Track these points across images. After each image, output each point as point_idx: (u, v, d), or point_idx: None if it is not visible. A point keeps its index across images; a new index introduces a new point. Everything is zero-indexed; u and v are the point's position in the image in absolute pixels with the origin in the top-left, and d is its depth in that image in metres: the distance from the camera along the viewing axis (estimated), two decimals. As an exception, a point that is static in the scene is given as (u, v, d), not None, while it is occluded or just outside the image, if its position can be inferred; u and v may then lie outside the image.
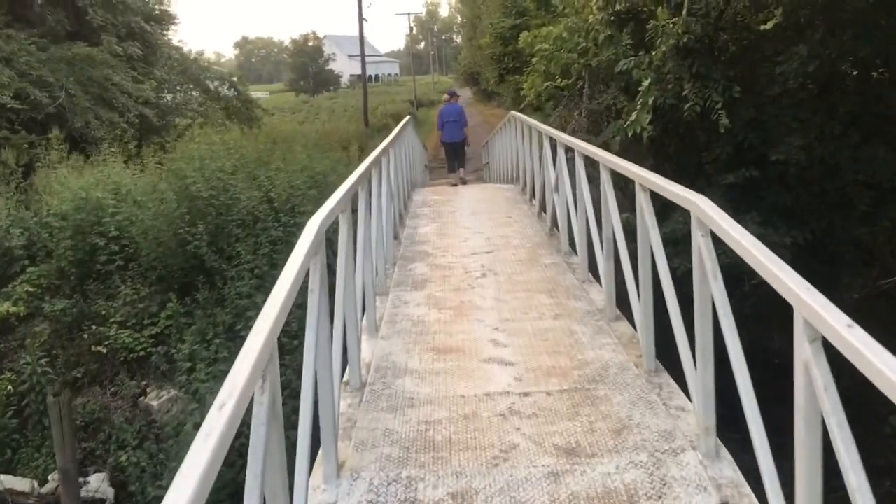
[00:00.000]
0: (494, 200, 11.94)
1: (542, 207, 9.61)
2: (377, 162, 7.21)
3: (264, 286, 12.15)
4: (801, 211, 11.08)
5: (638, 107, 10.28)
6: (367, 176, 6.22)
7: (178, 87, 32.11)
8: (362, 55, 41.08)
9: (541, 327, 5.81)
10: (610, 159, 5.68)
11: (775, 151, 10.54)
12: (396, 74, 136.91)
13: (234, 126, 33.00)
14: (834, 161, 10.81)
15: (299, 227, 11.75)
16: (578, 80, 13.41)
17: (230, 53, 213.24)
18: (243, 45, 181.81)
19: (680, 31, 10.10)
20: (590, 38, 12.31)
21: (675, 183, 4.55)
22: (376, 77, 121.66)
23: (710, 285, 3.72)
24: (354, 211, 5.62)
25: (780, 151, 10.49)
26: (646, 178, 4.72)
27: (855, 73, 11.34)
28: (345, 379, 4.61)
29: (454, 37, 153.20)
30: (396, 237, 8.68)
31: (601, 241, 6.19)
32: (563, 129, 12.45)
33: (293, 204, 12.64)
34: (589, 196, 6.80)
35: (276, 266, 12.30)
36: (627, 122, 10.43)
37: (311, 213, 10.98)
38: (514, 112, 12.69)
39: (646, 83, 10.31)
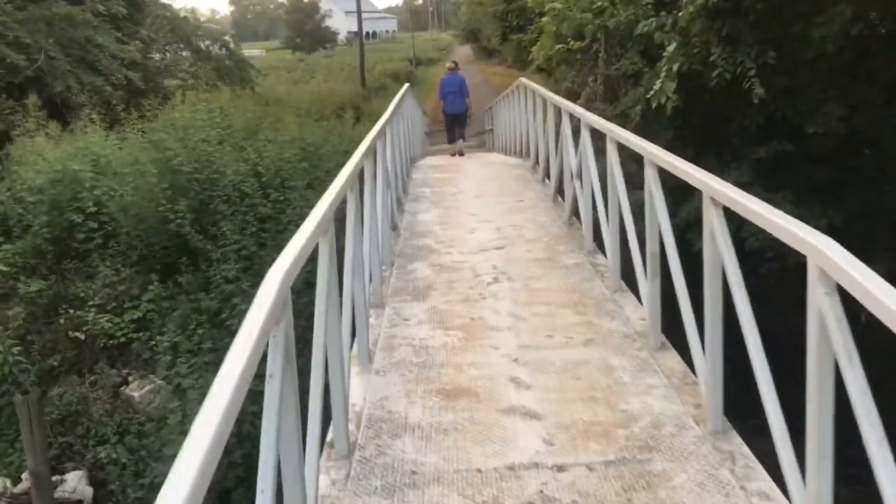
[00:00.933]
0: (503, 179, 10.90)
1: (559, 191, 8.57)
2: (371, 150, 6.13)
3: (252, 268, 11.32)
4: (837, 187, 10.14)
5: (662, 74, 9.28)
6: (358, 169, 5.26)
7: (167, 48, 30.91)
8: (359, 12, 39.70)
9: (570, 359, 4.77)
10: (657, 154, 4.68)
11: (812, 123, 9.56)
12: (394, 31, 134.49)
13: (225, 88, 32.24)
14: (874, 133, 9.85)
15: (289, 203, 10.89)
16: (593, 43, 12.38)
17: (225, 10, 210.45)
18: (238, 1, 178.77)
19: (709, -12, 9.09)
20: (606, -5, 11.31)
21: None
22: (373, 34, 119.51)
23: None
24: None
25: (817, 123, 9.52)
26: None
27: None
28: (329, 438, 3.64)
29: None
30: (395, 227, 7.70)
31: (641, 252, 5.14)
32: (577, 97, 11.47)
33: (283, 178, 11.70)
34: (623, 190, 5.62)
35: (265, 246, 11.47)
36: (651, 92, 9.44)
37: (302, 188, 10.05)
38: (523, 79, 11.51)
39: (670, 48, 9.32)
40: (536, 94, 10.00)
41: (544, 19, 12.47)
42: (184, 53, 30.82)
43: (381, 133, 7.05)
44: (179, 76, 29.62)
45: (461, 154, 16.63)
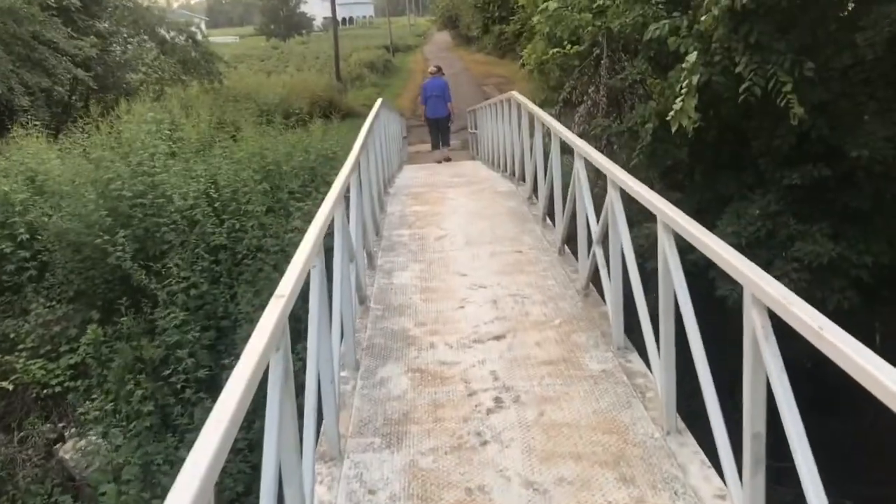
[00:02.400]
0: (495, 215, 8.95)
1: (566, 241, 6.96)
2: (340, 201, 4.62)
3: (204, 308, 9.86)
4: (879, 217, 8.76)
5: (682, 90, 7.81)
6: (325, 230, 3.83)
7: (129, 40, 29.14)
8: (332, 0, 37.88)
9: None
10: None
11: (853, 144, 8.15)
12: (371, 16, 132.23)
13: (193, 82, 30.58)
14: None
15: (245, 231, 9.43)
16: (594, 48, 10.88)
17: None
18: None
19: (735, -13, 7.64)
20: (609, -8, 9.82)
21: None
22: (350, 19, 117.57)
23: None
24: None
25: (859, 145, 8.10)
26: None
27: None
28: None
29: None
30: (363, 301, 5.89)
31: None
32: (575, 109, 10.02)
33: (239, 203, 10.19)
34: (683, 288, 3.76)
35: (218, 282, 10.00)
36: (671, 114, 7.98)
37: (260, 214, 8.59)
38: (515, 94, 9.80)
39: (690, 57, 7.85)
40: (536, 119, 8.18)
41: (536, 18, 10.90)
42: (148, 45, 28.98)
43: (353, 175, 5.56)
44: (142, 70, 27.96)
45: (447, 160, 16.16)
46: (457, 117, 17.47)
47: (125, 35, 28.91)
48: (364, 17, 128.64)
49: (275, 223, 10.22)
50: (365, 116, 11.14)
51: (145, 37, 29.68)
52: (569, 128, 9.29)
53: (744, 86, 7.93)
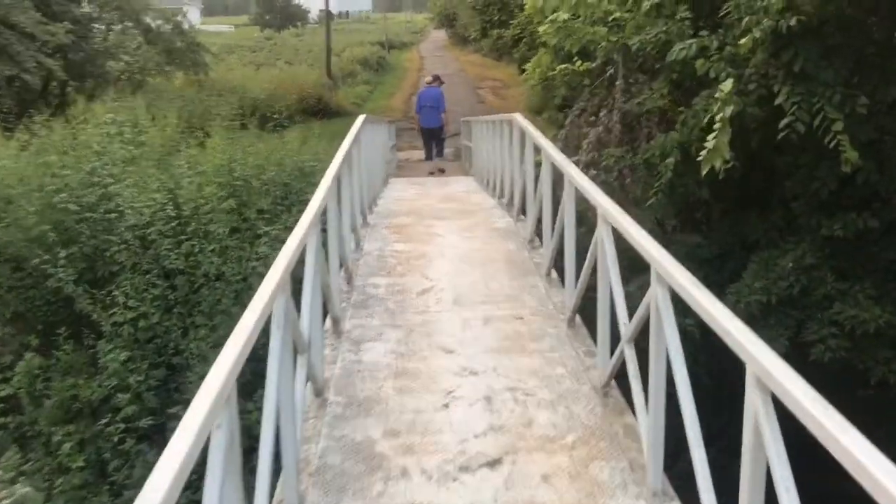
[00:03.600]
0: (491, 264, 7.31)
1: (578, 308, 5.65)
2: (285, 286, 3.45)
3: (154, 341, 8.72)
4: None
5: (716, 124, 6.64)
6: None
7: (112, 27, 27.87)
8: (327, -4, 36.47)
9: None
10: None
11: (906, 193, 7.04)
12: (368, 11, 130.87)
13: (177, 73, 29.34)
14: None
15: (204, 253, 8.27)
16: (607, 66, 9.71)
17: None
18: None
19: (781, 5, 6.50)
20: (628, 4, 8.63)
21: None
22: (347, 13, 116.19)
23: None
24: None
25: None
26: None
27: None
28: None
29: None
30: (320, 393, 4.44)
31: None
32: (583, 133, 8.89)
33: (200, 224, 9.00)
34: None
35: (171, 311, 8.84)
36: (702, 154, 6.81)
37: (223, 237, 7.43)
38: (518, 118, 8.35)
39: (725, 86, 6.69)
40: (544, 155, 6.69)
41: (542, 29, 9.65)
42: (132, 32, 27.70)
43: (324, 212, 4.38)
44: (124, 59, 26.69)
45: (441, 171, 15.95)
46: (449, 124, 16.87)
47: (107, 22, 27.69)
48: (361, 11, 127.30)
49: (238, 247, 9.05)
50: (354, 116, 9.96)
51: (130, 24, 28.45)
52: (575, 155, 8.14)
53: (785, 121, 6.81)
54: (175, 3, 41.17)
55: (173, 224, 9.00)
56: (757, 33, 6.62)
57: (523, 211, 8.44)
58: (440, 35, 78.61)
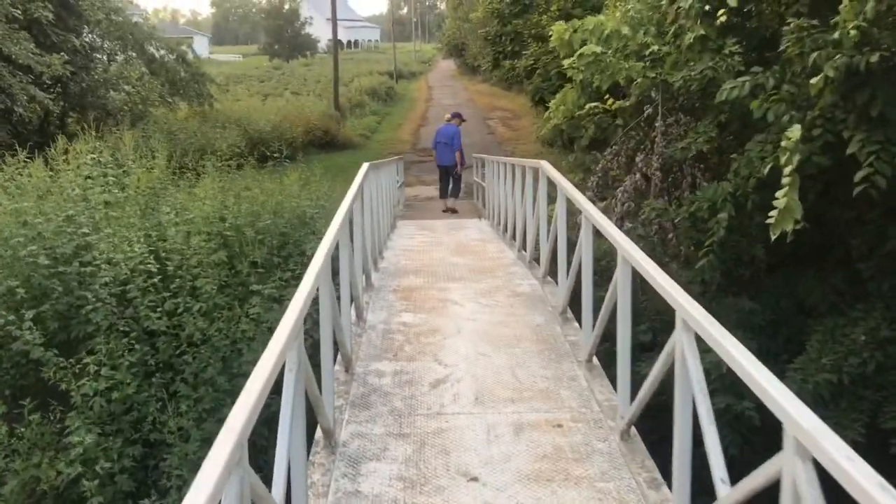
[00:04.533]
0: (516, 343, 6.08)
1: (633, 420, 4.17)
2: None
3: (132, 414, 7.72)
4: None
5: (785, 178, 5.65)
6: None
7: (115, 56, 27.31)
8: (334, 28, 35.81)
9: None
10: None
11: None
12: (377, 40, 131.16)
13: (180, 104, 28.68)
14: None
15: (190, 312, 7.28)
16: (643, 105, 8.73)
17: (207, 11, 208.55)
18: (220, 3, 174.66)
19: (856, 39, 5.53)
20: (667, 36, 7.67)
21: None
22: (355, 43, 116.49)
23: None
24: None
25: None
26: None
27: None
28: None
29: (438, 2, 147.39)
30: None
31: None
32: (613, 182, 7.94)
33: (186, 280, 8.03)
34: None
35: (150, 380, 7.83)
36: (771, 216, 5.81)
37: (211, 294, 6.41)
38: (546, 167, 7.20)
39: (794, 132, 5.70)
40: (584, 218, 5.44)
41: (568, 62, 8.60)
42: (136, 62, 27.12)
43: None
44: (125, 90, 26.03)
45: (453, 211, 16.03)
46: (463, 163, 16.13)
47: (108, 52, 27.08)
48: (370, 41, 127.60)
49: (227, 305, 8.08)
50: (362, 149, 9.08)
51: (133, 53, 27.88)
52: (609, 206, 7.13)
53: (861, 173, 5.81)
54: (185, 33, 40.76)
55: (155, 280, 8.03)
56: (830, 72, 5.65)
57: (549, 270, 7.38)
58: (449, 64, 78.66)
